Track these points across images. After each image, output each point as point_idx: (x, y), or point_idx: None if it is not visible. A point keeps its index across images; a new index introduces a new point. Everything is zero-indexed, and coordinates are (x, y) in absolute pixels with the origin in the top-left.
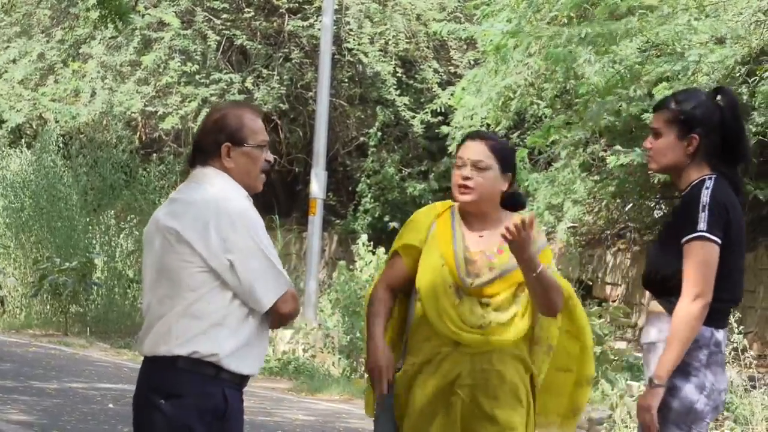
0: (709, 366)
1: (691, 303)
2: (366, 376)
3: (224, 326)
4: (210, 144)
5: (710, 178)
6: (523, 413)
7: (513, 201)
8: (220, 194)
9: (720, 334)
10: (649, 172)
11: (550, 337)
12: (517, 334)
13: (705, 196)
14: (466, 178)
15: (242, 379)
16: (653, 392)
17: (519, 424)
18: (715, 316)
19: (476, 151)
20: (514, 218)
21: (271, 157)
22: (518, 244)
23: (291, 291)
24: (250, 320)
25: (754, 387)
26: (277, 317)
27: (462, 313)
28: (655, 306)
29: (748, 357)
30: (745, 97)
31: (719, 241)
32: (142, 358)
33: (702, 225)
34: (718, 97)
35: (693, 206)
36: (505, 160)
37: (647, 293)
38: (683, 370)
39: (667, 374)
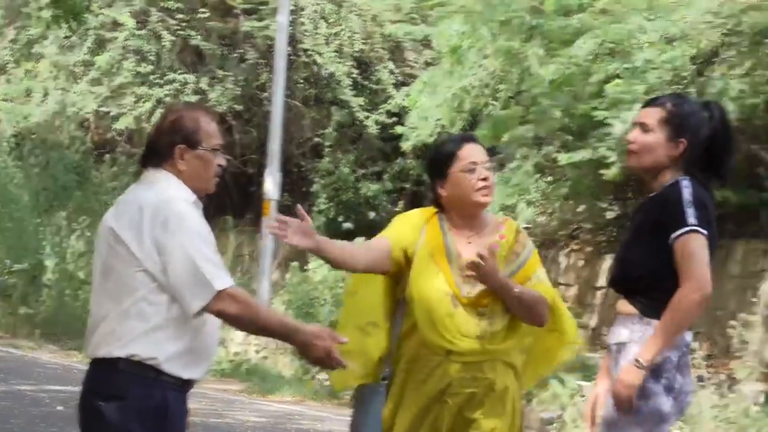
0: (680, 368)
1: (692, 293)
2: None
3: (165, 329)
4: (164, 146)
5: (684, 179)
6: (508, 419)
7: None
8: (160, 196)
9: (689, 336)
10: (625, 165)
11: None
12: (511, 344)
13: (687, 194)
14: (487, 179)
15: (185, 382)
16: (637, 372)
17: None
18: None
19: (482, 152)
20: (477, 250)
21: (223, 161)
22: (483, 276)
23: (229, 291)
24: (194, 323)
25: (702, 387)
26: (223, 319)
27: (457, 323)
28: (625, 306)
29: (697, 357)
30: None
31: (707, 234)
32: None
33: (692, 219)
34: (705, 113)
35: (675, 204)
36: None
37: (598, 294)
38: (654, 371)
39: (653, 357)
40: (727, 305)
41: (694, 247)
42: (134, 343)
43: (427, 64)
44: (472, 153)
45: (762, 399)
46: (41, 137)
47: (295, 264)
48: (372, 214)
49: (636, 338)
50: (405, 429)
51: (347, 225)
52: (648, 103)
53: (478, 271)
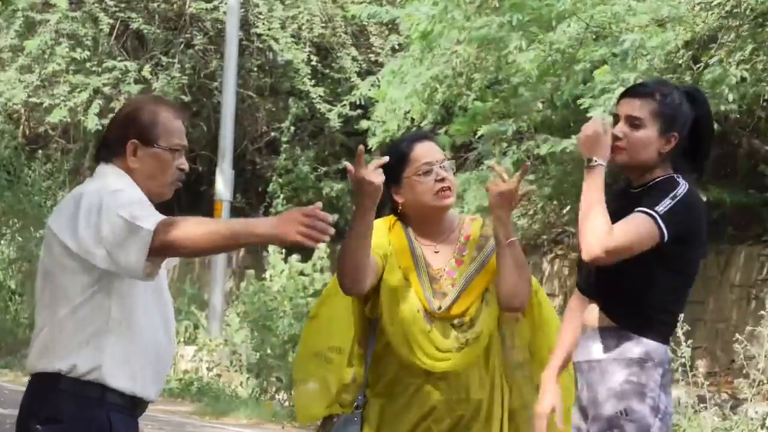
0: (663, 387)
1: (606, 237)
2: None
3: (106, 334)
4: (116, 139)
5: (679, 177)
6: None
7: None
8: (98, 185)
9: (668, 351)
10: (613, 163)
11: (522, 347)
12: (486, 336)
13: (680, 189)
14: (444, 180)
15: (134, 404)
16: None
17: None
18: (666, 330)
19: (436, 150)
20: (497, 169)
21: (185, 165)
22: (507, 195)
23: (163, 221)
24: (144, 332)
25: (704, 408)
26: (176, 251)
27: (434, 340)
28: (599, 319)
29: (698, 375)
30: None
31: (666, 234)
32: (26, 379)
33: (660, 208)
34: (688, 101)
35: (661, 192)
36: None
37: None
38: (639, 392)
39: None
40: (728, 317)
41: (640, 223)
42: (74, 354)
43: (394, 50)
44: (425, 153)
45: None
46: None
47: (251, 272)
48: (335, 217)
49: (614, 356)
50: None
51: None
52: (633, 93)
53: (504, 188)
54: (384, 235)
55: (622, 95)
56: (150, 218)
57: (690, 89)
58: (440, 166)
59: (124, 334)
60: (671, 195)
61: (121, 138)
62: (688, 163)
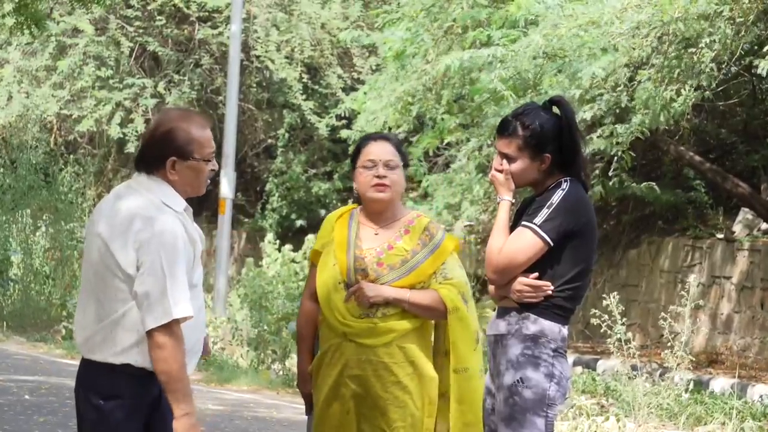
0: (556, 357)
1: (496, 258)
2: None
3: None
4: (155, 156)
5: (566, 181)
6: (413, 410)
7: None
8: (149, 208)
9: (565, 330)
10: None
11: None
12: (408, 324)
13: (555, 197)
14: (382, 177)
15: None
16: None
17: (408, 416)
18: (564, 315)
19: (386, 150)
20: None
21: (215, 166)
22: (361, 303)
23: (176, 330)
24: (188, 324)
25: (636, 375)
26: (150, 345)
27: (350, 307)
28: (507, 301)
29: (631, 347)
30: (625, 101)
31: (548, 239)
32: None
33: (538, 219)
34: (555, 108)
35: (542, 202)
36: (405, 158)
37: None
38: (533, 362)
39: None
40: (658, 298)
41: (521, 239)
42: (127, 353)
43: (373, 70)
44: (373, 150)
45: (691, 386)
46: (6, 139)
47: (250, 259)
48: (323, 212)
49: (513, 330)
50: (319, 409)
51: (300, 222)
52: (500, 131)
53: (357, 301)
54: (330, 227)
55: (496, 132)
56: (181, 305)
57: (554, 99)
58: (384, 165)
59: None
60: (547, 204)
61: (160, 156)
62: (567, 165)
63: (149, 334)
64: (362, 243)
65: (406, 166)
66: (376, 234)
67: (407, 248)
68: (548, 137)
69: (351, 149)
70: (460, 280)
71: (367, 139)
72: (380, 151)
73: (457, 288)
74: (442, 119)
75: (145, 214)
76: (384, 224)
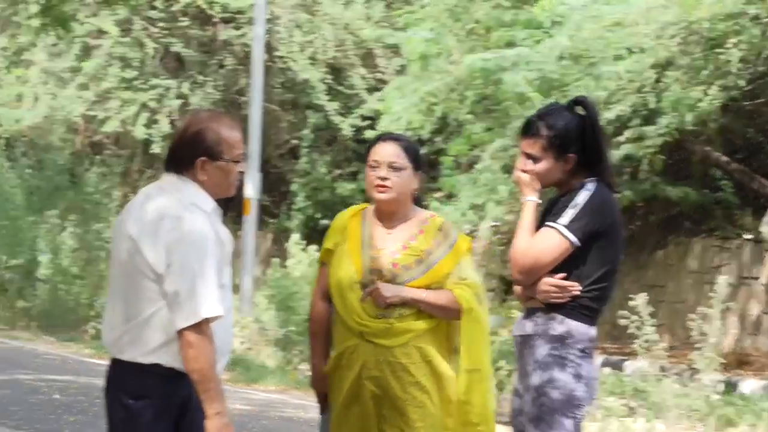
0: (584, 358)
1: (522, 259)
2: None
3: None
4: (185, 157)
5: (591, 181)
6: (432, 410)
7: (416, 199)
8: (178, 207)
9: (593, 331)
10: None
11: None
12: (425, 324)
13: (581, 197)
14: (384, 178)
15: None
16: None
17: (428, 416)
18: (591, 315)
19: (390, 152)
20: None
21: (245, 167)
22: (378, 303)
23: (206, 330)
24: (218, 324)
25: (665, 376)
26: (181, 345)
27: (366, 307)
28: (534, 301)
29: (659, 348)
30: (652, 103)
31: (574, 240)
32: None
33: (563, 220)
34: (578, 108)
35: (566, 203)
36: (417, 160)
37: None
38: (560, 363)
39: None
40: (685, 299)
41: (546, 239)
42: (156, 353)
43: (397, 71)
44: (378, 151)
45: (721, 388)
46: (32, 140)
47: (276, 260)
48: None
49: (540, 331)
50: (338, 411)
51: (324, 222)
52: (523, 132)
53: (374, 301)
54: (342, 227)
55: (520, 132)
56: (210, 305)
57: (578, 99)
58: (388, 166)
59: None
60: (572, 204)
61: (190, 156)
62: (593, 164)
63: (180, 334)
64: (376, 243)
65: (418, 168)
66: (389, 234)
67: (422, 248)
68: (572, 137)
69: None
70: (474, 280)
71: (377, 139)
72: (385, 152)
73: (472, 289)
74: (466, 120)
75: (175, 214)
76: (396, 224)
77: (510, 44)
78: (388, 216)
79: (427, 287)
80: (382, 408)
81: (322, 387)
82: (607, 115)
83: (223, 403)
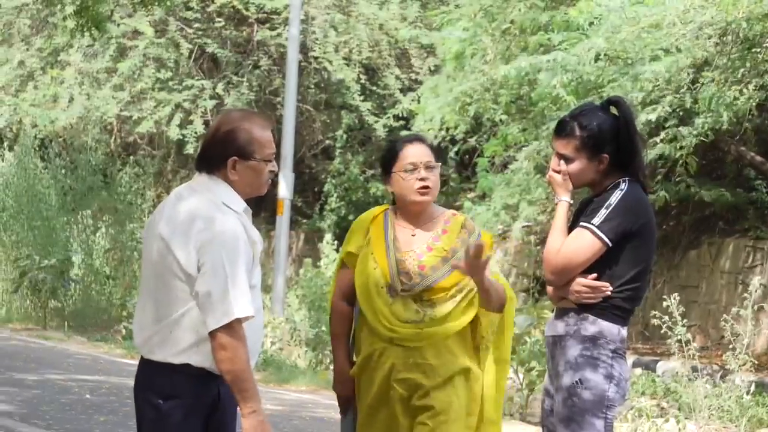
0: (615, 358)
1: (554, 259)
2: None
3: None
4: (216, 156)
5: (624, 181)
6: (461, 405)
7: None
8: (210, 208)
9: (624, 331)
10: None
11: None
12: (454, 327)
13: (614, 197)
14: (425, 179)
15: None
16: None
17: (455, 411)
18: (622, 316)
19: (424, 153)
20: (469, 244)
21: (275, 167)
22: (473, 269)
23: (238, 330)
24: (248, 325)
25: (697, 377)
26: (213, 346)
27: (395, 311)
28: (566, 301)
29: (691, 349)
30: (689, 103)
31: (607, 240)
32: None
33: (596, 220)
34: (612, 108)
35: (600, 203)
36: (441, 158)
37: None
38: (592, 363)
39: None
40: (718, 299)
41: (579, 239)
42: (187, 353)
43: (431, 71)
44: (412, 153)
45: (753, 389)
46: (67, 140)
47: (308, 260)
48: None
49: (571, 332)
50: (364, 414)
51: None
52: (557, 132)
53: (469, 264)
54: (363, 229)
55: (553, 133)
56: (241, 305)
57: (612, 99)
58: (425, 167)
59: None
60: (606, 205)
61: (221, 155)
62: (626, 165)
63: (212, 335)
64: (401, 245)
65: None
66: (413, 235)
67: (447, 248)
68: (606, 137)
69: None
70: (501, 278)
71: (403, 142)
72: (420, 153)
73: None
74: (501, 120)
75: (206, 215)
76: (421, 225)
77: (546, 48)
78: (417, 217)
79: (456, 285)
80: (408, 409)
81: (344, 389)
82: (647, 117)
83: (259, 401)
